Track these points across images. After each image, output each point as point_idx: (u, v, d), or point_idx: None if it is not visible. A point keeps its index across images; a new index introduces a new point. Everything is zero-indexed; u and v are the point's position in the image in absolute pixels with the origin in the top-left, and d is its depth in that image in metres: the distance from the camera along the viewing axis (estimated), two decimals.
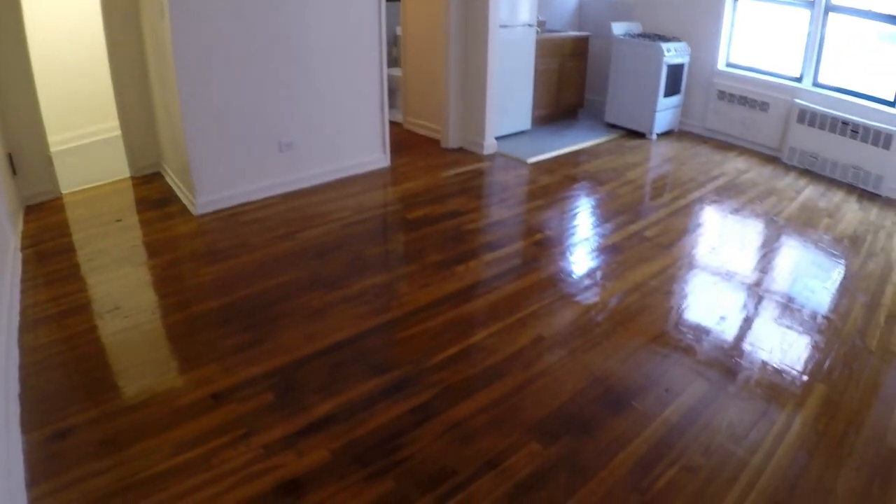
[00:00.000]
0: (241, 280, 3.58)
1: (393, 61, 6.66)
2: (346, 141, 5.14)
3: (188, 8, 3.95)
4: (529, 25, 6.18)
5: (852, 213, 5.26)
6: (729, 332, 3.38)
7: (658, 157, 6.27)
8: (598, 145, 6.42)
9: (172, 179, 4.87)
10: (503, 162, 5.79)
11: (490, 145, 5.95)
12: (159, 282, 3.64)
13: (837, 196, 5.62)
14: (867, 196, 5.74)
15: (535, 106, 6.62)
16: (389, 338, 3.16)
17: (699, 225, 4.74)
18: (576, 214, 4.79)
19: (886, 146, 5.59)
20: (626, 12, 7.24)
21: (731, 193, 5.40)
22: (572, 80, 7.04)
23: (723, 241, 4.52)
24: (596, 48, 7.32)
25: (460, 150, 6.03)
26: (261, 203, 4.61)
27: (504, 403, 2.68)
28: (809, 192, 5.64)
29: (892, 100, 5.77)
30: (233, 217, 4.40)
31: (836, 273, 4.20)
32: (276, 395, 2.65)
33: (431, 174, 5.37)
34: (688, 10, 6.82)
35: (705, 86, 6.86)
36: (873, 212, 5.37)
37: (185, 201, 4.55)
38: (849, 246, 4.63)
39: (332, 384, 2.73)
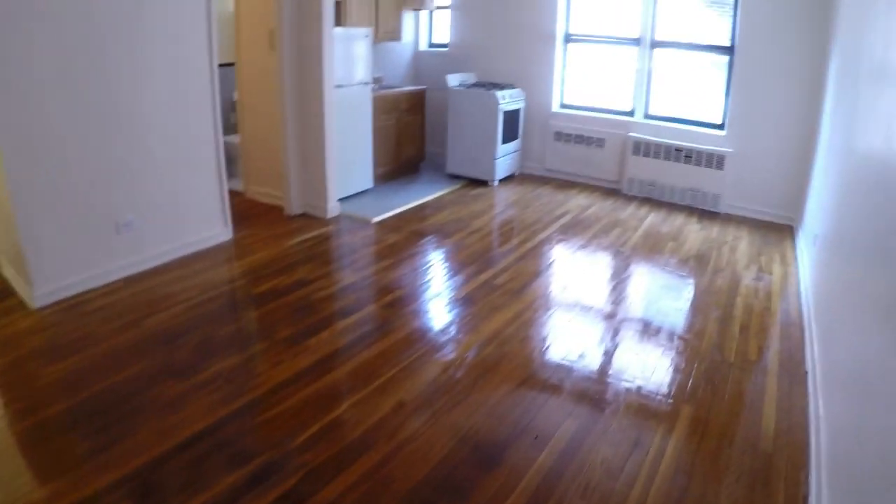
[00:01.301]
0: (88, 377, 3.20)
1: (232, 128, 6.41)
2: (185, 216, 4.82)
3: (10, 82, 3.58)
4: (365, 83, 6.17)
5: (695, 233, 5.56)
6: (591, 366, 3.37)
7: (502, 202, 6.39)
8: (441, 197, 6.45)
9: (7, 270, 4.38)
10: (348, 224, 5.64)
11: (333, 208, 5.79)
12: None
13: (679, 219, 5.94)
14: (707, 215, 6.13)
15: (377, 163, 6.57)
16: (248, 423, 2.88)
17: (549, 265, 4.81)
18: (425, 270, 4.69)
19: (719, 166, 6.03)
20: (462, 63, 7.48)
21: (577, 230, 5.56)
22: (411, 135, 7.10)
23: (573, 279, 4.60)
24: (433, 101, 7.48)
25: (304, 215, 5.82)
26: (104, 289, 4.22)
27: (373, 478, 2.49)
28: (652, 218, 5.93)
29: (720, 123, 6.25)
30: (75, 307, 3.98)
31: (687, 293, 4.36)
32: (134, 502, 2.33)
33: (276, 243, 5.12)
34: (520, 57, 7.17)
35: (542, 128, 7.16)
36: (714, 229, 5.71)
37: (22, 294, 4.08)
38: (695, 265, 4.85)
39: (193, 482, 2.44)
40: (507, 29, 7.18)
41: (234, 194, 6.27)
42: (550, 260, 4.87)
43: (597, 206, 6.26)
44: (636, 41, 6.60)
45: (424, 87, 7.24)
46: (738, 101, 6.02)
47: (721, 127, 6.25)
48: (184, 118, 4.68)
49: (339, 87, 5.75)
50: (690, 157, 6.21)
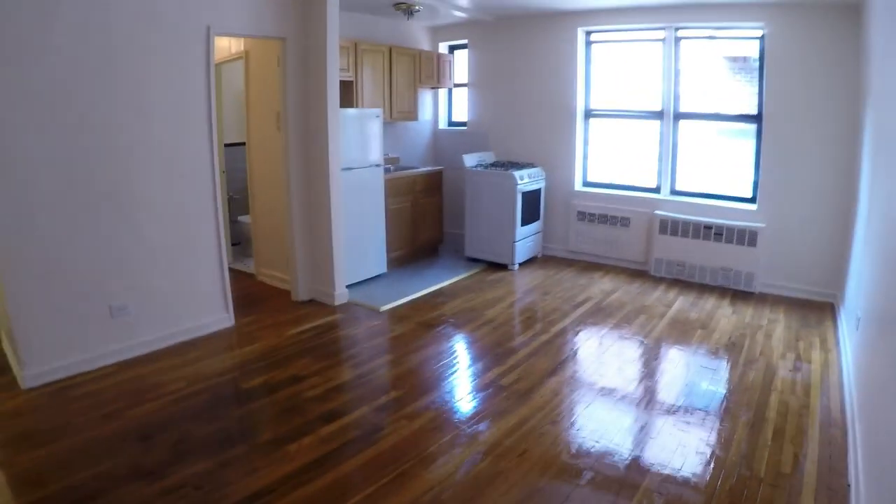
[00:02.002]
0: (57, 470, 3.09)
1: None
2: (184, 302, 4.74)
3: (2, 161, 3.62)
4: (377, 165, 6.07)
5: (726, 318, 5.20)
6: (593, 500, 3.00)
7: (521, 288, 6.14)
8: (457, 283, 6.24)
9: (6, 346, 4.37)
10: (356, 312, 5.44)
11: (341, 295, 5.61)
12: None
13: (709, 302, 5.60)
14: (740, 296, 5.77)
15: (391, 247, 6.43)
16: None
17: (562, 362, 4.46)
18: (428, 367, 4.41)
19: (752, 243, 5.71)
20: (481, 142, 7.41)
21: (598, 318, 5.27)
22: (428, 216, 6.96)
23: (588, 378, 4.27)
24: (451, 181, 7.40)
25: (311, 302, 5.67)
26: (95, 374, 4.18)
27: None
28: (680, 303, 5.59)
29: (750, 196, 5.95)
30: (63, 391, 3.92)
31: (715, 391, 3.99)
32: None
33: (278, 332, 4.95)
34: (540, 135, 7.06)
35: (564, 208, 6.94)
36: (748, 313, 5.35)
37: (15, 372, 4.05)
38: (726, 356, 4.50)
39: None
40: (526, 106, 7.09)
41: (245, 276, 6.31)
42: (564, 356, 4.55)
43: (621, 291, 5.95)
44: (658, 114, 6.41)
45: (442, 167, 7.16)
46: (768, 172, 5.76)
47: (752, 200, 5.96)
48: (183, 200, 4.64)
49: (348, 169, 5.69)
50: (721, 234, 5.89)
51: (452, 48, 7.77)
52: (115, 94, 4.12)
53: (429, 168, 7.07)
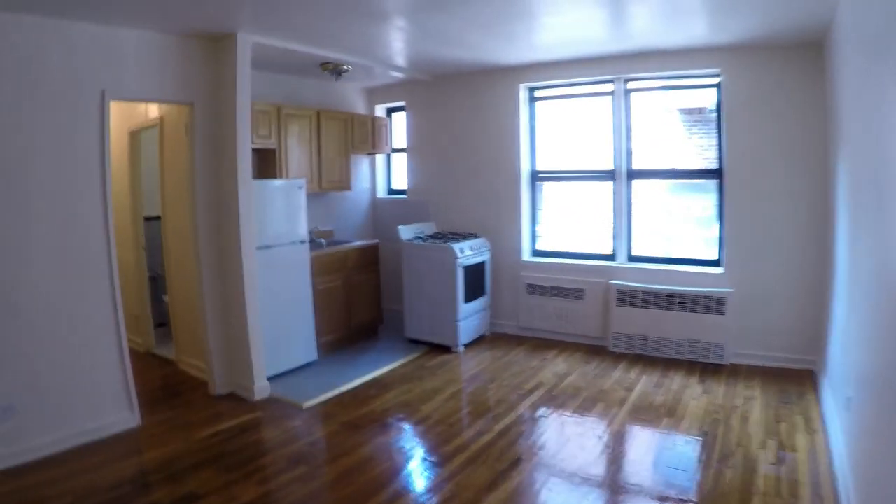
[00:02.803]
0: None
1: None
2: (80, 400, 4.15)
3: None
4: (301, 242, 5.44)
5: (695, 400, 4.59)
6: None
7: (465, 375, 5.46)
8: (395, 370, 5.56)
9: None
10: (276, 410, 4.74)
11: (261, 389, 4.91)
12: None
13: (676, 381, 5.00)
14: (710, 370, 5.20)
15: (321, 332, 5.78)
16: None
17: (503, 474, 3.70)
18: (344, 487, 3.67)
19: (720, 310, 5.17)
20: (421, 212, 6.85)
21: (550, 409, 4.61)
22: (364, 295, 6.31)
23: (533, 491, 3.56)
24: (390, 255, 6.86)
25: (230, 396, 4.97)
26: None
27: None
28: (643, 384, 4.97)
29: (715, 258, 5.41)
30: None
31: None
32: None
33: (186, 435, 4.27)
34: (483, 203, 6.54)
35: (513, 281, 6.37)
36: (720, 391, 4.76)
37: None
38: (697, 450, 3.82)
39: None
40: (467, 171, 6.59)
41: (166, 364, 5.79)
42: (505, 465, 3.81)
43: (577, 373, 5.31)
44: (610, 174, 5.95)
45: (377, 240, 6.52)
46: (733, 231, 5.27)
47: (717, 263, 5.47)
48: (75, 286, 4.14)
49: (266, 247, 5.10)
50: (685, 303, 5.32)
51: (390, 111, 7.28)
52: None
53: (363, 242, 6.44)
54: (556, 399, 4.77)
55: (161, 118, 5.39)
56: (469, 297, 5.96)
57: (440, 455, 3.95)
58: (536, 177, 6.38)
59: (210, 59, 4.76)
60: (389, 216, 7.13)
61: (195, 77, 4.71)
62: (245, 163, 4.77)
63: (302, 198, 5.52)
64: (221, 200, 4.86)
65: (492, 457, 3.88)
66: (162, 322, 6.32)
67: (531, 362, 5.61)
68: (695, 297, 5.30)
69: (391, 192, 7.42)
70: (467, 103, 6.48)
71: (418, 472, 3.77)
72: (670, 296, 5.40)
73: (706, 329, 5.28)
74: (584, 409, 4.57)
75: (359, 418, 4.54)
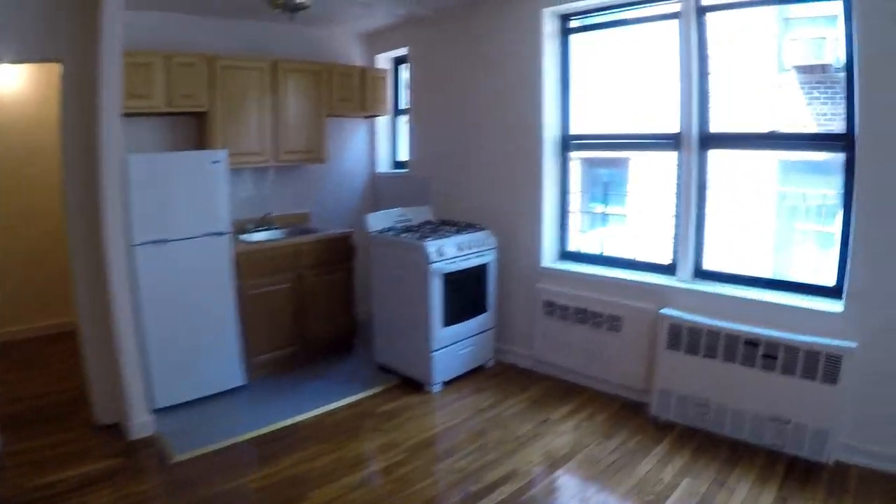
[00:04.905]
0: None
1: None
2: None
3: None
4: (219, 233, 3.95)
5: None
6: None
7: (416, 437, 3.60)
8: (334, 413, 3.89)
9: None
10: (143, 458, 3.38)
11: (141, 425, 3.57)
12: None
13: (742, 488, 2.88)
14: (800, 471, 3.08)
15: (255, 349, 4.26)
16: None
17: None
18: None
19: (831, 376, 3.02)
20: (421, 193, 4.98)
21: None
22: (326, 301, 4.67)
23: None
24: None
25: (114, 427, 3.64)
26: None
27: None
28: (685, 488, 2.87)
29: (832, 285, 3.22)
30: None
31: None
32: None
33: (32, 476, 3.16)
34: (491, 183, 4.62)
35: (528, 294, 4.39)
36: None
37: None
38: None
39: None
40: (474, 139, 4.65)
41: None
42: None
43: (585, 457, 3.34)
44: (673, 140, 3.74)
45: (351, 230, 4.76)
46: (868, 241, 3.00)
47: (835, 294, 3.20)
48: None
49: (160, 241, 3.76)
50: (775, 357, 3.16)
51: (398, 61, 5.43)
52: None
53: (329, 233, 4.72)
54: None
55: None
56: (455, 317, 4.12)
57: None
58: (569, 144, 4.30)
59: None
60: (390, 197, 5.36)
61: (62, 27, 3.46)
62: (111, 131, 3.45)
63: (220, 175, 3.99)
64: (92, 180, 3.50)
65: None
66: None
67: (525, 425, 3.65)
68: (792, 350, 3.09)
69: (398, 165, 5.59)
70: (478, 46, 4.54)
71: None
72: (753, 343, 3.21)
73: (804, 403, 3.08)
74: None
75: (220, 497, 3.01)
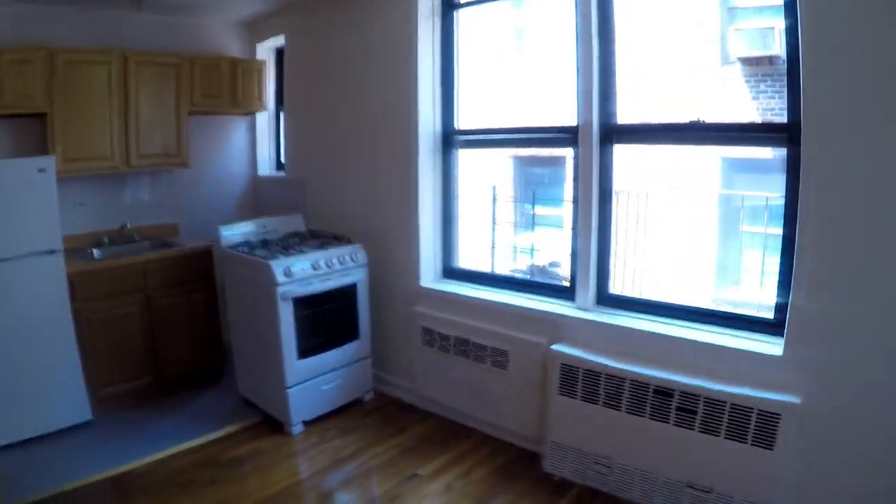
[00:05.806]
0: None
1: None
2: None
3: None
4: (49, 252, 3.30)
5: None
6: None
7: (258, 492, 2.92)
8: (170, 460, 3.20)
9: None
10: None
11: None
12: None
13: None
14: None
15: (102, 381, 3.62)
16: None
17: None
18: None
19: (766, 439, 2.37)
20: (295, 198, 4.29)
21: None
22: (184, 325, 3.97)
23: None
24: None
25: None
26: None
27: None
28: None
29: (771, 317, 2.54)
30: None
31: None
32: None
33: None
34: (365, 187, 3.94)
35: (406, 319, 3.64)
36: None
37: None
38: None
39: None
40: (348, 136, 3.92)
41: None
42: None
43: None
44: (570, 135, 3.01)
45: (212, 243, 4.02)
46: (816, 258, 2.26)
47: (775, 327, 2.49)
48: None
49: None
50: (693, 411, 2.46)
51: (281, 52, 4.68)
52: None
53: (183, 247, 4.00)
54: None
55: None
56: (314, 348, 3.45)
57: None
58: (454, 142, 3.58)
59: None
60: (273, 204, 4.64)
61: None
62: None
63: (48, 185, 3.34)
64: None
65: None
66: None
67: (385, 482, 2.97)
68: (716, 404, 2.42)
69: (281, 167, 4.86)
70: (353, 30, 3.86)
71: None
72: (665, 392, 2.52)
73: (731, 470, 2.41)
74: None
75: None
